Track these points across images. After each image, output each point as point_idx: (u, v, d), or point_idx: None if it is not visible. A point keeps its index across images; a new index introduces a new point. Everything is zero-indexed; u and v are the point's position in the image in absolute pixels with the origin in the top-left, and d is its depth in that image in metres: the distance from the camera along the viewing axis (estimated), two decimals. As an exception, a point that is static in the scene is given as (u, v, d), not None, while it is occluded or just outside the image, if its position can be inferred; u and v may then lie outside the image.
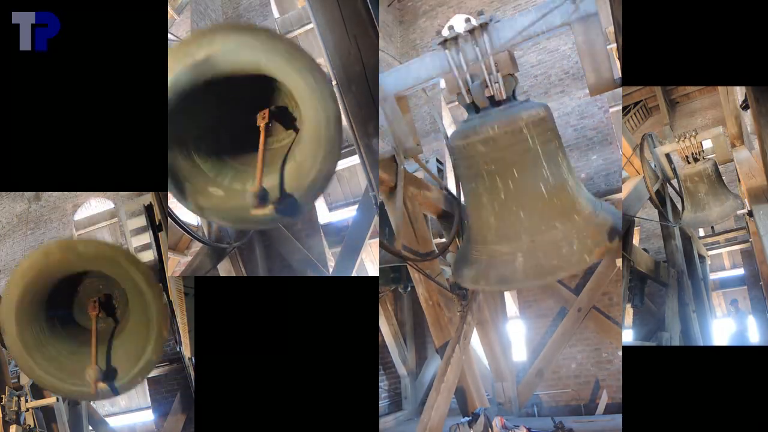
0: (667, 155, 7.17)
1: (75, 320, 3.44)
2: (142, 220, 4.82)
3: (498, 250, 3.83)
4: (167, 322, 3.35)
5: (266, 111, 2.66)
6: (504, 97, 3.84)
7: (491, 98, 3.81)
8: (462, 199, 4.96)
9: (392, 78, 4.35)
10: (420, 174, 6.34)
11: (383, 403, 9.10)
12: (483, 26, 3.73)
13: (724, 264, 11.72)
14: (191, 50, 2.40)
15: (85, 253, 3.10)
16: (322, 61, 4.05)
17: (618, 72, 3.67)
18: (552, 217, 3.70)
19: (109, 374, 3.29)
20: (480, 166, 3.79)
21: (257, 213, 2.51)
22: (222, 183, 2.73)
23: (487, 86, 3.79)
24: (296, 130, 2.77)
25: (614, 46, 7.26)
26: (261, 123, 2.63)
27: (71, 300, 3.41)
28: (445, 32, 3.89)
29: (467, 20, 3.80)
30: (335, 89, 3.67)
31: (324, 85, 2.41)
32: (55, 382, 3.37)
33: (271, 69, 2.43)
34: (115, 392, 3.34)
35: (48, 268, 3.09)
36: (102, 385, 3.21)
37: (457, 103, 4.56)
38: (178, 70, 2.43)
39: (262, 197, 2.46)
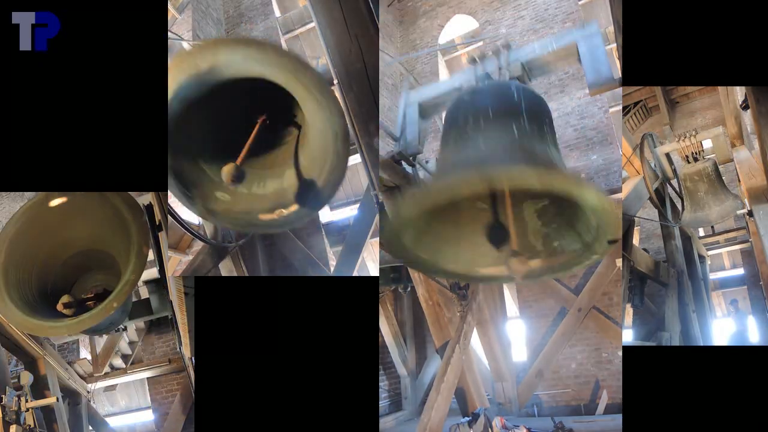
0: (667, 155, 7.16)
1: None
2: (142, 220, 4.81)
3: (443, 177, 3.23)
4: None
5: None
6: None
7: None
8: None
9: (424, 89, 4.49)
10: (421, 173, 6.34)
11: (383, 403, 9.10)
12: (505, 47, 3.91)
13: (724, 264, 11.71)
14: (194, 61, 2.42)
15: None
16: (324, 59, 4.12)
17: (618, 72, 3.68)
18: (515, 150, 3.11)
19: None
20: (458, 112, 3.37)
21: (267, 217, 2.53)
22: (228, 187, 2.72)
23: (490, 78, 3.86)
24: (298, 128, 2.77)
25: (614, 46, 7.26)
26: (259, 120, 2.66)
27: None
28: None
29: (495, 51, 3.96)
30: (336, 88, 3.68)
31: (332, 101, 2.43)
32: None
33: (278, 82, 2.44)
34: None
35: None
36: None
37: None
38: (181, 79, 2.45)
39: (237, 176, 2.46)
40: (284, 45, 8.58)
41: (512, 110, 3.30)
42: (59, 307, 3.69)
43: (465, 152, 3.10)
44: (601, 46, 3.74)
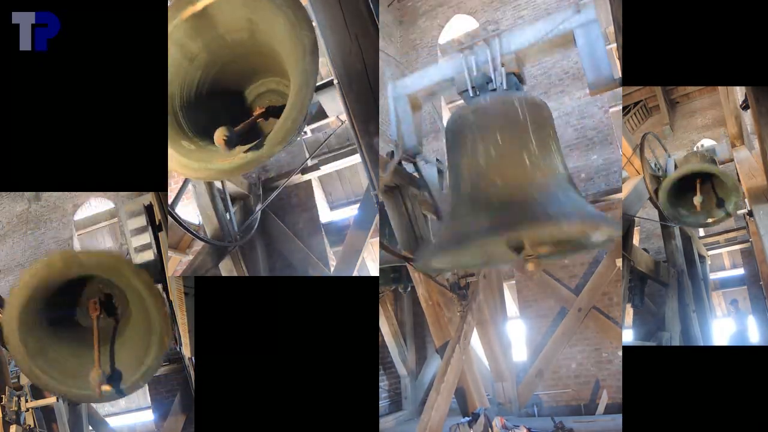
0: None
1: (77, 322, 3.42)
2: (142, 220, 4.81)
3: (466, 222, 3.42)
4: (169, 330, 3.32)
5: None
6: (505, 88, 3.79)
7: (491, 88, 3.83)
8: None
9: (409, 80, 4.45)
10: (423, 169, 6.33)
11: (383, 403, 9.10)
12: (497, 34, 3.89)
13: (724, 264, 11.72)
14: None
15: (87, 263, 3.17)
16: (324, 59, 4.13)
17: (618, 72, 3.68)
18: (532, 190, 3.28)
19: (113, 376, 3.30)
20: (465, 134, 3.53)
21: None
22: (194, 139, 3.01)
23: (490, 80, 3.80)
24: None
25: (614, 46, 7.26)
26: None
27: (73, 302, 3.40)
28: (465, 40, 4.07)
29: (484, 30, 3.97)
30: (336, 88, 3.69)
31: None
32: (58, 385, 3.36)
33: None
34: (120, 394, 3.34)
35: (50, 277, 3.13)
36: (106, 388, 3.20)
37: (458, 102, 4.57)
38: None
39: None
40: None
41: (520, 131, 3.49)
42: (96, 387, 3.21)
43: (479, 192, 3.42)
44: (600, 38, 3.73)
